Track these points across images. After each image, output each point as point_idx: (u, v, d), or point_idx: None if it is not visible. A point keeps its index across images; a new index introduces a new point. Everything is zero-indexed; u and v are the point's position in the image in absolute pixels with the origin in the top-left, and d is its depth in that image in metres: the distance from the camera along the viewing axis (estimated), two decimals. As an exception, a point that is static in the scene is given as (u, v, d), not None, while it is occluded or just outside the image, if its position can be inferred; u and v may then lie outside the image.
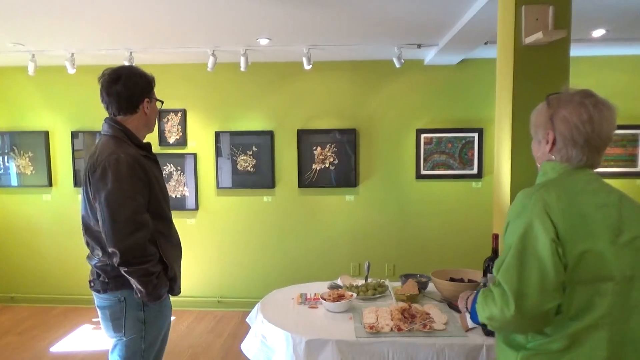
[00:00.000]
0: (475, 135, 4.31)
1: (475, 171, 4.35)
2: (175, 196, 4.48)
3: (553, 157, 1.32)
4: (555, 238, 1.18)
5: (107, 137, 1.90)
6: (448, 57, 4.01)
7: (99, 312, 1.94)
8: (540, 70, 2.06)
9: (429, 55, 4.06)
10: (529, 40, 1.99)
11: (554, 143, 1.31)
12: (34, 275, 4.72)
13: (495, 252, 2.04)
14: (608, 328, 1.20)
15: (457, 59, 4.13)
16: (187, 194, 4.52)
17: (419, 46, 3.71)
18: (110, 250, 1.77)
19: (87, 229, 1.91)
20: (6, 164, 4.62)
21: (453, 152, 4.34)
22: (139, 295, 1.83)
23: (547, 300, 1.18)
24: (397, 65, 3.80)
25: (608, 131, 1.27)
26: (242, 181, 4.48)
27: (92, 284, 1.92)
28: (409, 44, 3.67)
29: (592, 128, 1.25)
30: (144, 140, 2.00)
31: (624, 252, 1.21)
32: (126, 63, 3.66)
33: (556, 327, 1.22)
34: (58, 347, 3.77)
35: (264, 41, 3.56)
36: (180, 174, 4.51)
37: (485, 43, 3.55)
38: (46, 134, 4.54)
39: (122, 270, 1.79)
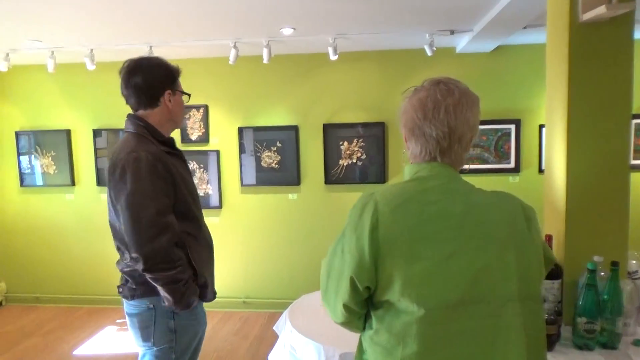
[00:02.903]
0: (512, 127, 4.06)
1: (512, 165, 4.10)
2: (199, 194, 4.36)
3: (409, 155, 1.20)
4: (356, 271, 1.04)
5: (128, 134, 1.77)
6: (482, 44, 3.77)
7: (128, 320, 1.83)
8: (600, 51, 1.82)
9: (462, 43, 3.82)
10: (587, 16, 1.76)
11: (405, 137, 1.19)
12: (58, 275, 4.68)
13: (548, 256, 1.83)
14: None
15: (492, 46, 3.88)
16: (210, 192, 4.40)
17: (452, 32, 3.48)
18: (133, 255, 1.64)
19: (115, 233, 1.79)
20: (31, 163, 4.58)
21: (488, 145, 4.09)
22: (167, 303, 1.69)
23: (338, 316, 1.14)
24: (429, 53, 3.58)
25: (446, 121, 1.09)
26: (267, 178, 4.33)
27: (120, 290, 1.80)
28: (441, 30, 3.45)
29: (424, 114, 1.10)
30: (170, 135, 1.87)
31: (452, 275, 1.00)
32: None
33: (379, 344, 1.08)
34: (82, 350, 3.70)
35: (287, 31, 3.39)
36: (203, 172, 4.39)
37: (525, 27, 3.29)
38: (68, 132, 4.48)
39: (147, 277, 1.66)
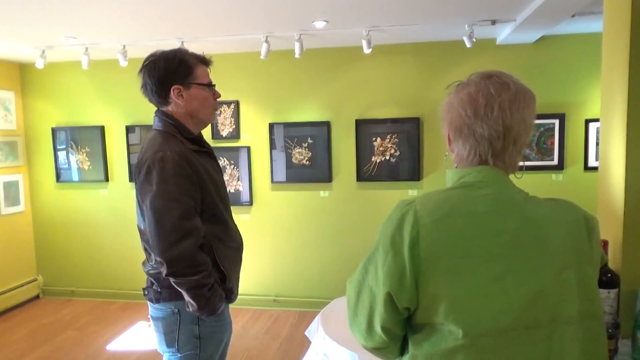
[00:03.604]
0: (556, 121, 3.84)
1: (555, 162, 3.89)
2: (229, 191, 4.33)
3: (454, 158, 1.06)
4: (394, 288, 0.92)
5: (156, 132, 1.70)
6: (525, 35, 3.57)
7: (152, 323, 1.77)
8: (667, 38, 1.65)
9: (503, 34, 3.64)
10: (653, 1, 1.59)
11: (449, 138, 1.05)
12: (93, 269, 4.74)
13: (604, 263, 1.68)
14: None
15: (535, 37, 3.67)
16: (241, 188, 4.36)
17: (493, 22, 3.30)
18: (157, 259, 1.59)
19: (142, 234, 1.73)
20: (68, 159, 4.65)
21: (530, 140, 3.89)
22: (191, 309, 1.63)
23: (374, 340, 1.00)
24: (468, 45, 3.41)
25: (501, 118, 0.95)
26: (298, 175, 4.26)
27: (145, 292, 1.74)
28: (482, 20, 3.27)
29: (475, 111, 0.96)
30: (202, 132, 1.79)
31: (504, 298, 0.88)
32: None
33: None
34: (114, 345, 3.72)
35: (320, 24, 3.29)
36: (233, 168, 4.35)
37: (573, 16, 3.09)
38: (102, 128, 4.52)
39: (172, 281, 1.60)
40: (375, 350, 1.04)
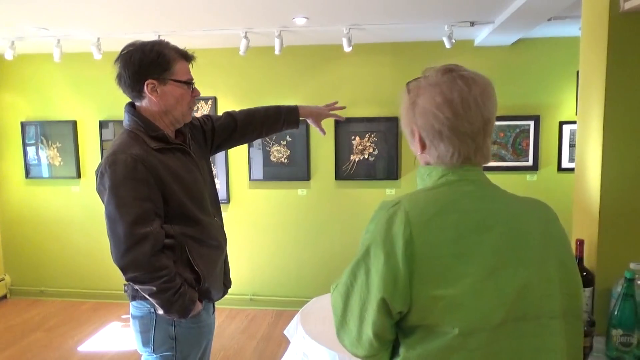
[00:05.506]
0: (531, 123, 3.91)
1: (530, 163, 3.96)
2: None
3: (429, 158, 1.02)
4: (388, 292, 0.89)
5: (123, 131, 1.65)
6: (503, 37, 3.62)
7: (131, 322, 1.73)
8: (642, 43, 1.69)
9: (481, 35, 3.68)
10: (629, 4, 1.62)
11: (422, 141, 1.01)
12: (63, 269, 4.61)
13: (579, 261, 1.72)
14: None
15: (512, 39, 3.73)
16: (218, 186, 4.30)
17: (472, 24, 3.33)
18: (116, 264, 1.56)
19: None
20: (37, 154, 4.50)
21: (505, 142, 3.95)
22: (160, 311, 1.60)
23: (365, 348, 0.97)
24: (448, 46, 3.44)
25: (479, 113, 0.95)
26: (276, 173, 4.22)
27: (125, 289, 1.70)
28: (461, 21, 3.30)
29: (453, 112, 0.95)
30: (176, 129, 1.72)
31: (496, 293, 0.89)
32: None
33: None
34: (86, 346, 3.62)
35: (300, 21, 3.26)
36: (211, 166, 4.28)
37: (549, 19, 3.15)
38: (74, 123, 4.39)
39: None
40: (366, 358, 1.01)
